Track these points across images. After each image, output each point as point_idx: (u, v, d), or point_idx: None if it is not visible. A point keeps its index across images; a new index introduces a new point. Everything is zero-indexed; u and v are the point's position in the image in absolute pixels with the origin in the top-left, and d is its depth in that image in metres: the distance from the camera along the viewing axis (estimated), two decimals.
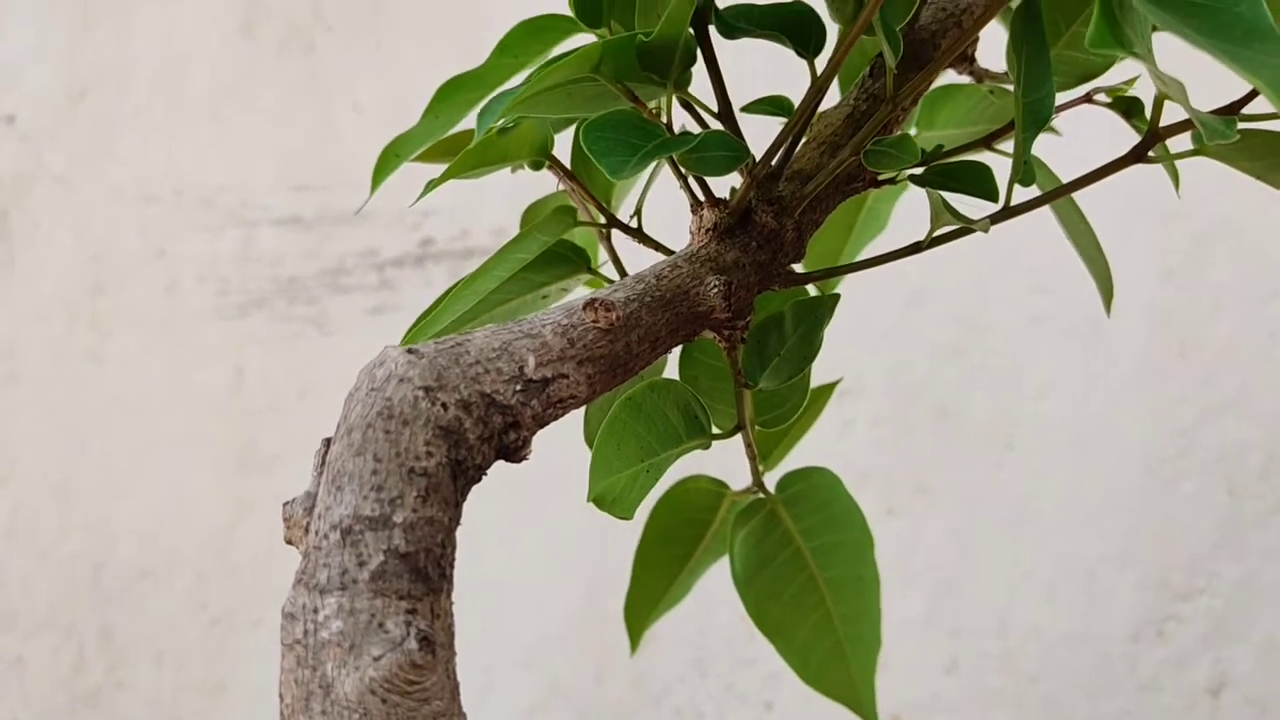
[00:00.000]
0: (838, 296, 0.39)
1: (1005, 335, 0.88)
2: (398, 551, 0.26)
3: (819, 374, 1.05)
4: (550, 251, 0.42)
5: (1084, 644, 0.83)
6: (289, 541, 0.28)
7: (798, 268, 0.40)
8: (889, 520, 0.88)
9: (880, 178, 0.37)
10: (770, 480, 0.48)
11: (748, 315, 0.35)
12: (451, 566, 0.28)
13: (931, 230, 0.35)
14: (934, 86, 0.48)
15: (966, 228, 0.33)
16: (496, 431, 0.29)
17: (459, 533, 0.29)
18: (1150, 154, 0.32)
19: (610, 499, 0.38)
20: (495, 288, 0.42)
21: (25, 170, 1.25)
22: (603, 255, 0.45)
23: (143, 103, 1.21)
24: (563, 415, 0.31)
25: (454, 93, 0.41)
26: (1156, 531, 0.83)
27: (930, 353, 0.90)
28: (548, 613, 0.94)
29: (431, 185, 0.37)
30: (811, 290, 0.44)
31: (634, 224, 0.41)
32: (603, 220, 0.41)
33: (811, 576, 0.49)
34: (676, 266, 0.34)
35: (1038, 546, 0.85)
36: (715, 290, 0.33)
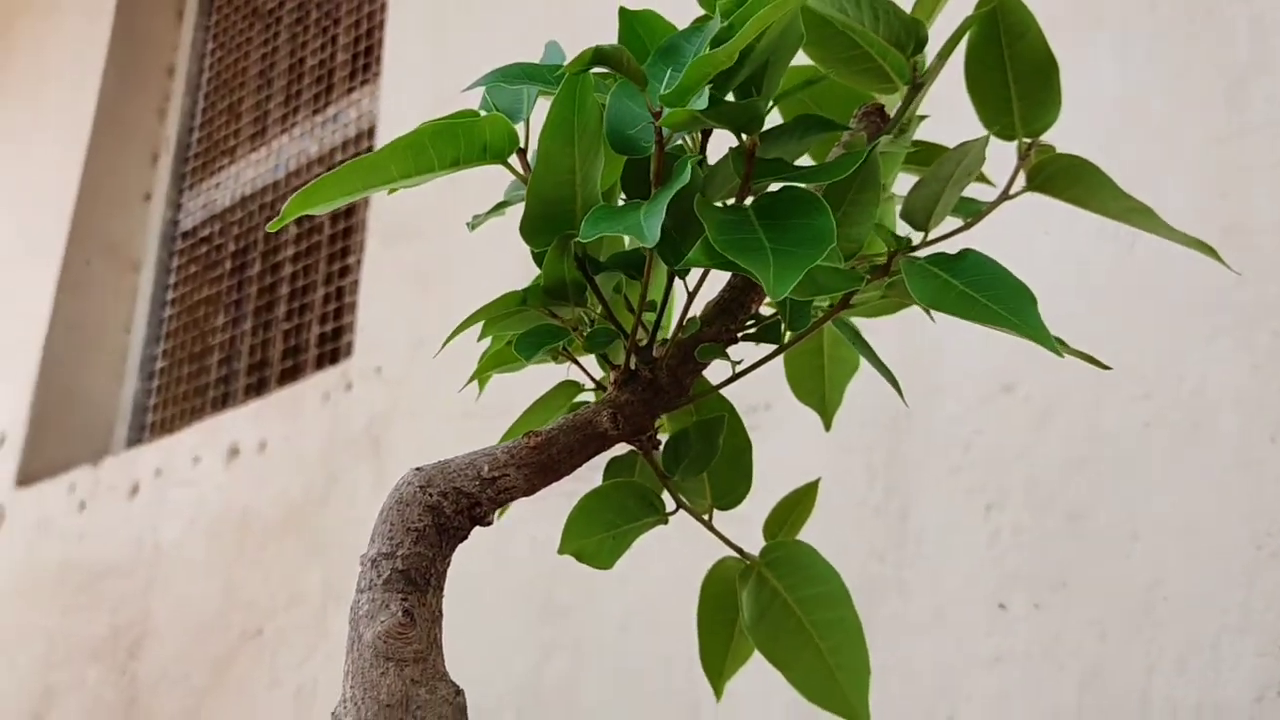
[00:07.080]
0: (723, 418, 0.60)
1: (1121, 443, 1.00)
2: (397, 569, 0.50)
3: (958, 487, 1.20)
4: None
5: (1216, 712, 0.91)
6: None
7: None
8: (1036, 615, 1.00)
9: (740, 335, 0.59)
10: None
11: (647, 431, 0.58)
12: (438, 579, 0.51)
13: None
14: None
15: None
16: (465, 508, 0.53)
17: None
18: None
19: (586, 556, 0.60)
20: None
21: (389, 407, 1.64)
22: None
23: (455, 346, 1.57)
24: (511, 500, 0.54)
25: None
26: (1270, 601, 0.90)
27: (1060, 466, 1.03)
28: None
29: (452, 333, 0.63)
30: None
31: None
32: (591, 386, 0.65)
33: (799, 621, 0.67)
34: (589, 405, 0.57)
35: (1167, 626, 0.95)
36: (606, 418, 0.56)
